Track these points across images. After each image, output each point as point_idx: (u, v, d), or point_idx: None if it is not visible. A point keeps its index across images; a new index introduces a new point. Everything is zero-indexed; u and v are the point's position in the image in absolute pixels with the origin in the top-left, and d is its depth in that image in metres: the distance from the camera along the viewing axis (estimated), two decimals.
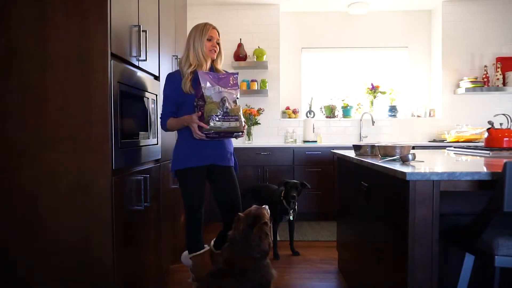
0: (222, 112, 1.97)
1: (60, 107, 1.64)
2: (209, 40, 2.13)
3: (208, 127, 1.95)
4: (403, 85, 4.96)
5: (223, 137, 2.07)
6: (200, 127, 1.97)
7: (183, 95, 2.10)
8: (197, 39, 2.12)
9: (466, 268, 1.50)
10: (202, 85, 1.97)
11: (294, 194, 2.96)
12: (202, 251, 2.22)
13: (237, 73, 2.13)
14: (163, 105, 2.18)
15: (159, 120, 2.25)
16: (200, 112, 1.98)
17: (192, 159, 2.12)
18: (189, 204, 2.18)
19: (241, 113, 2.04)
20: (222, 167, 2.20)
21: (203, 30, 2.12)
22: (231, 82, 2.07)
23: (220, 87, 2.00)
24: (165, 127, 2.19)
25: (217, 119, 1.96)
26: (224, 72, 2.16)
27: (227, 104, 1.98)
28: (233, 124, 2.00)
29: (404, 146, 1.80)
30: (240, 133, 2.05)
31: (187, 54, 2.14)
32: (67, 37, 1.63)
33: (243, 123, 2.05)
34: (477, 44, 4.64)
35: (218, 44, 2.19)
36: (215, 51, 2.17)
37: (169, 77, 2.16)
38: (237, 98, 2.08)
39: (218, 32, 2.19)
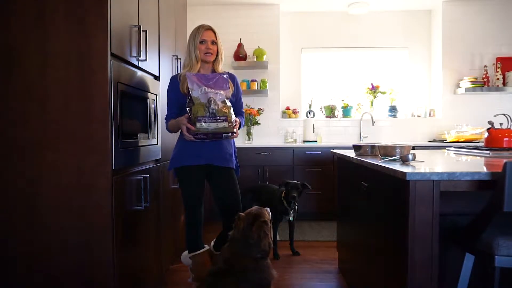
0: (208, 114, 1.96)
1: (60, 107, 1.64)
2: (202, 42, 2.14)
3: (195, 128, 1.96)
4: (403, 85, 4.96)
5: (212, 138, 2.05)
6: (188, 129, 1.98)
7: (183, 96, 2.12)
8: (191, 43, 2.16)
9: (466, 268, 1.50)
10: (189, 86, 1.98)
11: (295, 195, 2.96)
12: (201, 250, 2.22)
13: (227, 73, 2.12)
14: (167, 107, 2.24)
15: (163, 123, 2.32)
16: (187, 114, 1.99)
17: (187, 158, 2.14)
18: (187, 202, 2.20)
19: (231, 113, 2.02)
20: (221, 168, 2.19)
21: (196, 34, 2.15)
22: (221, 83, 2.05)
23: (207, 88, 1.99)
24: (166, 127, 2.25)
25: (204, 121, 1.96)
26: (214, 73, 2.13)
27: (213, 105, 1.97)
28: (221, 125, 1.98)
29: (404, 146, 1.80)
30: (230, 134, 2.03)
31: (186, 57, 2.20)
32: (67, 37, 1.62)
33: (234, 123, 2.03)
34: (477, 44, 4.64)
35: (216, 44, 2.17)
36: (211, 53, 2.16)
37: (171, 79, 2.22)
38: (227, 98, 2.05)
39: (214, 32, 2.18)
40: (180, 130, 2.20)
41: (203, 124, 1.96)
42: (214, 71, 2.22)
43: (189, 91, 2.00)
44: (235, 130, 2.04)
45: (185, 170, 2.15)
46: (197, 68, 2.16)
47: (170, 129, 2.23)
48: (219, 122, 1.98)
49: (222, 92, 2.03)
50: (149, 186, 2.14)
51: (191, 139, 2.03)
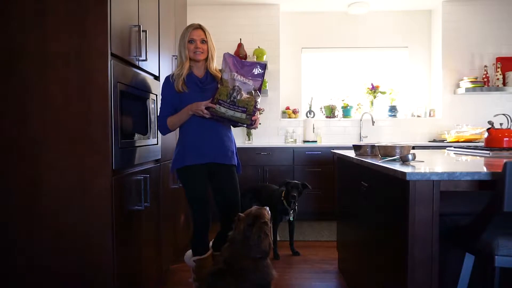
0: (229, 100, 1.97)
1: (60, 107, 1.64)
2: (190, 42, 2.10)
3: (214, 109, 1.98)
4: (403, 85, 4.96)
5: (226, 123, 2.11)
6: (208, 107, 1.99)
7: (178, 95, 2.09)
8: (181, 43, 2.13)
9: (466, 268, 1.50)
10: (222, 67, 1.99)
11: (295, 194, 2.96)
12: (207, 254, 2.20)
13: (265, 64, 2.10)
14: (160, 107, 2.17)
15: (157, 122, 2.23)
16: (212, 98, 2.00)
17: (189, 158, 2.11)
18: (193, 204, 2.15)
19: (253, 106, 2.01)
20: (222, 165, 2.18)
21: (185, 33, 2.11)
22: (254, 72, 2.04)
23: (236, 75, 1.98)
24: (164, 127, 2.15)
25: (223, 105, 1.97)
26: (252, 61, 2.11)
27: (235, 93, 1.97)
28: (237, 114, 1.99)
29: (404, 146, 1.80)
30: (245, 125, 2.06)
31: (178, 57, 2.18)
32: (67, 37, 1.63)
33: (254, 114, 2.03)
34: (477, 44, 4.64)
35: (206, 42, 2.13)
36: (201, 52, 2.11)
37: (166, 79, 2.17)
38: (255, 89, 2.03)
39: (204, 31, 2.14)
40: (179, 130, 2.20)
41: (222, 108, 1.98)
42: (207, 70, 2.19)
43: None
44: (252, 122, 2.05)
45: (188, 170, 2.12)
46: (187, 67, 2.12)
47: (170, 126, 2.14)
48: (236, 111, 1.99)
49: (251, 82, 2.02)
50: (149, 186, 2.14)
51: (208, 116, 2.01)
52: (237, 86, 1.97)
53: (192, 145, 2.11)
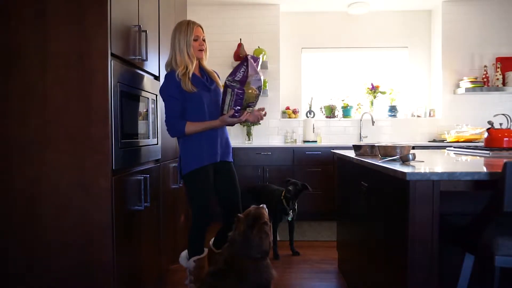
0: (256, 101, 2.08)
1: (60, 107, 1.64)
2: (195, 40, 2.08)
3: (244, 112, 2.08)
4: (403, 85, 4.96)
5: None
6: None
7: (186, 94, 2.05)
8: (182, 40, 2.06)
9: (466, 268, 1.50)
10: (250, 73, 2.01)
11: (290, 188, 2.96)
12: (205, 253, 2.20)
13: (260, 57, 2.17)
14: (169, 107, 2.05)
15: (163, 123, 2.15)
16: (233, 110, 2.01)
17: (205, 158, 2.10)
18: (203, 205, 2.11)
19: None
20: (227, 163, 2.21)
21: (187, 30, 2.06)
22: (260, 65, 2.13)
23: (260, 75, 2.06)
24: (179, 130, 2.04)
25: (251, 106, 2.08)
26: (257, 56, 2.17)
27: (260, 93, 2.08)
28: (255, 107, 2.14)
29: (404, 146, 1.80)
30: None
31: (174, 57, 2.08)
32: (67, 37, 1.62)
33: None
34: (477, 44, 4.64)
35: (204, 41, 2.14)
36: (203, 50, 2.13)
37: (170, 77, 2.05)
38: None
39: (202, 28, 2.15)
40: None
41: (249, 109, 2.09)
42: (201, 68, 2.20)
43: (236, 71, 2.01)
44: None
45: (203, 170, 2.10)
46: (194, 66, 2.08)
47: (189, 133, 2.04)
48: (255, 105, 2.11)
49: (261, 75, 2.11)
50: (149, 186, 2.14)
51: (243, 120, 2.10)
52: (261, 85, 2.06)
53: (208, 143, 2.11)
